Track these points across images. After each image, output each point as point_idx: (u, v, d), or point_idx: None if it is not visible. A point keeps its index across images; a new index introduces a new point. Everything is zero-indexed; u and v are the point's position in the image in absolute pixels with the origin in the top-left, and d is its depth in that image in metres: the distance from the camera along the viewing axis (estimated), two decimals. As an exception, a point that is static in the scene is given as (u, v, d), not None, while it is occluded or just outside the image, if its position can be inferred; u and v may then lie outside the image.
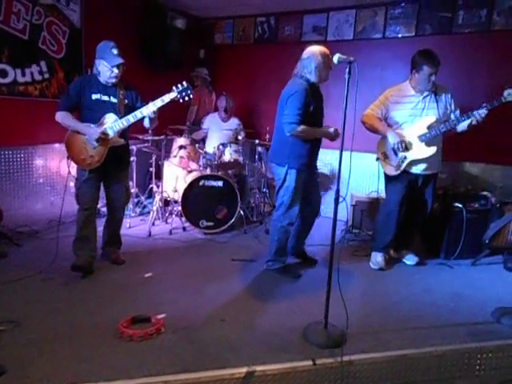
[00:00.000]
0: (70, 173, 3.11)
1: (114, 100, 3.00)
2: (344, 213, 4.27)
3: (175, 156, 4.59)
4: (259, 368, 2.01)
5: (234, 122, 4.87)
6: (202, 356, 2.13)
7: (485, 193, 3.87)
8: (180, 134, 4.76)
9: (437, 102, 3.26)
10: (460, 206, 3.66)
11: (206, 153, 4.42)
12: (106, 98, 2.99)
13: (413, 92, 3.27)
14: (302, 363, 2.07)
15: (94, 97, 2.97)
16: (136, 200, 4.74)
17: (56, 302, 2.65)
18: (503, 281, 3.31)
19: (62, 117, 2.97)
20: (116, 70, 2.94)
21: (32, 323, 2.37)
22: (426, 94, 3.25)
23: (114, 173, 3.16)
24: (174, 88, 2.92)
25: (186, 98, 2.94)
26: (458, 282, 3.25)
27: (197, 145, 4.62)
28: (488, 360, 2.31)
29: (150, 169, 4.69)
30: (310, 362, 2.09)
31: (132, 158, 4.43)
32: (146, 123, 3.09)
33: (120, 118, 2.96)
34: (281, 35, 5.38)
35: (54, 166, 4.44)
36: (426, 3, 4.43)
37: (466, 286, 3.19)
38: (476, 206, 3.74)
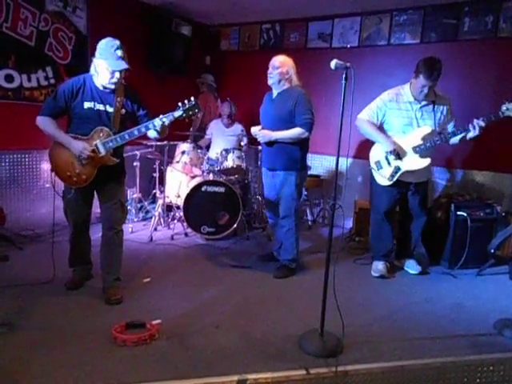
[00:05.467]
0: (54, 189, 2.72)
1: (109, 109, 2.62)
2: (347, 220, 4.27)
3: (178, 161, 4.60)
4: (251, 376, 1.98)
5: (237, 128, 4.87)
6: (194, 363, 2.11)
7: (490, 201, 3.81)
8: (184, 139, 4.78)
9: (434, 112, 3.20)
10: (464, 214, 3.60)
11: (208, 158, 4.43)
12: (100, 106, 2.61)
13: (411, 99, 3.20)
14: (295, 372, 2.04)
15: (87, 105, 2.59)
16: (139, 205, 4.76)
17: (52, 306, 2.65)
18: (508, 292, 3.23)
19: (44, 123, 2.59)
20: (118, 75, 2.55)
21: (27, 327, 2.38)
22: (424, 103, 3.19)
23: (105, 188, 2.77)
24: (179, 105, 2.57)
25: (193, 118, 2.60)
26: (461, 292, 3.19)
27: (199, 150, 4.63)
28: (489, 373, 2.24)
29: (154, 174, 4.71)
30: (303, 371, 2.05)
31: (135, 164, 4.47)
32: (153, 134, 2.71)
33: (114, 132, 2.59)
34: (286, 42, 5.39)
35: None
36: (432, 10, 4.40)
37: (469, 296, 3.13)
38: (481, 214, 3.67)
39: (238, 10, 5.05)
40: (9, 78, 3.90)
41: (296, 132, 3.17)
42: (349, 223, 4.55)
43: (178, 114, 2.57)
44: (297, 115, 3.17)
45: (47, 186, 4.38)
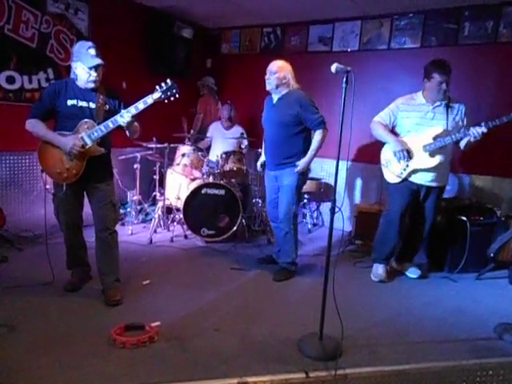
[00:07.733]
0: (46, 189, 2.80)
1: (92, 106, 2.69)
2: (347, 223, 4.28)
3: (178, 164, 4.61)
4: (250, 379, 1.98)
5: (237, 131, 4.88)
6: (194, 365, 2.10)
7: (490, 206, 3.81)
8: (185, 141, 4.78)
9: (447, 113, 3.21)
10: (464, 218, 3.60)
11: (209, 161, 4.43)
12: (83, 103, 2.67)
13: (424, 101, 3.25)
14: (294, 375, 2.04)
15: (70, 103, 2.65)
16: (139, 207, 4.76)
17: (52, 307, 2.65)
18: (507, 296, 3.23)
19: (32, 125, 2.65)
20: (94, 73, 2.63)
21: (26, 328, 2.37)
22: (437, 103, 3.21)
23: (95, 189, 2.79)
24: (157, 87, 2.59)
25: (172, 98, 2.61)
26: (461, 296, 3.19)
27: (199, 153, 4.63)
28: (488, 377, 2.23)
29: (154, 176, 4.71)
30: (302, 375, 2.05)
31: (136, 166, 4.47)
32: (128, 133, 2.76)
33: (98, 124, 2.65)
34: (287, 45, 5.40)
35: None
36: (432, 15, 4.42)
37: (469, 300, 3.13)
38: (480, 219, 3.68)
39: (239, 14, 5.07)
40: (10, 80, 3.91)
41: (318, 138, 3.20)
42: (349, 226, 4.56)
43: (156, 95, 2.59)
44: (307, 120, 3.18)
45: (47, 187, 4.37)
